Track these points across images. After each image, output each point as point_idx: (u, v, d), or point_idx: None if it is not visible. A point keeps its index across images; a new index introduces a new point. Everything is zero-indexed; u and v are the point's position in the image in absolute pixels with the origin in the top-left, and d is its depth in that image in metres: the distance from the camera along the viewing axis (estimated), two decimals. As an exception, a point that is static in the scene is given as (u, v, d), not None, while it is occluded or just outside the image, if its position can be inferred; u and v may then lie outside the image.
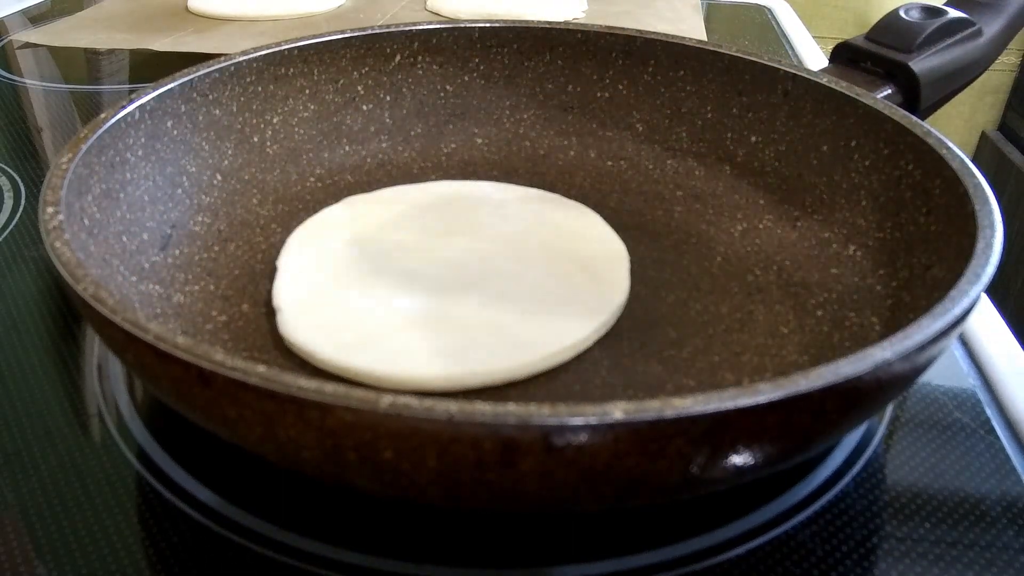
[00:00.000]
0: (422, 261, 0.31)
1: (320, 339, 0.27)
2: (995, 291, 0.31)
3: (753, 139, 0.37)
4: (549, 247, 0.32)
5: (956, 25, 0.39)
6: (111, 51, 0.59)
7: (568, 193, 0.37)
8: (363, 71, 0.39)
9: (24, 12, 0.69)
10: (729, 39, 0.66)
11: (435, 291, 0.29)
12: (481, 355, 0.26)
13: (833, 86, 0.33)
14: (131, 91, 0.43)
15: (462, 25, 0.40)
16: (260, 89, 0.36)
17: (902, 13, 0.40)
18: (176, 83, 0.32)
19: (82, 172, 0.26)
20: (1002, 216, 0.24)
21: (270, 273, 0.31)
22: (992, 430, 0.27)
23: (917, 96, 0.37)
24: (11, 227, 0.37)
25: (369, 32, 0.38)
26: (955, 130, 1.18)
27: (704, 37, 0.60)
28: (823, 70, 0.39)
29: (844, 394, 0.18)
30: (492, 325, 0.28)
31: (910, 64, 0.37)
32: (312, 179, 0.37)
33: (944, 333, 0.20)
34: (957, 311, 0.20)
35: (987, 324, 0.32)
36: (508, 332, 0.27)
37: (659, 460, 0.17)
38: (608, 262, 0.32)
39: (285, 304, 0.28)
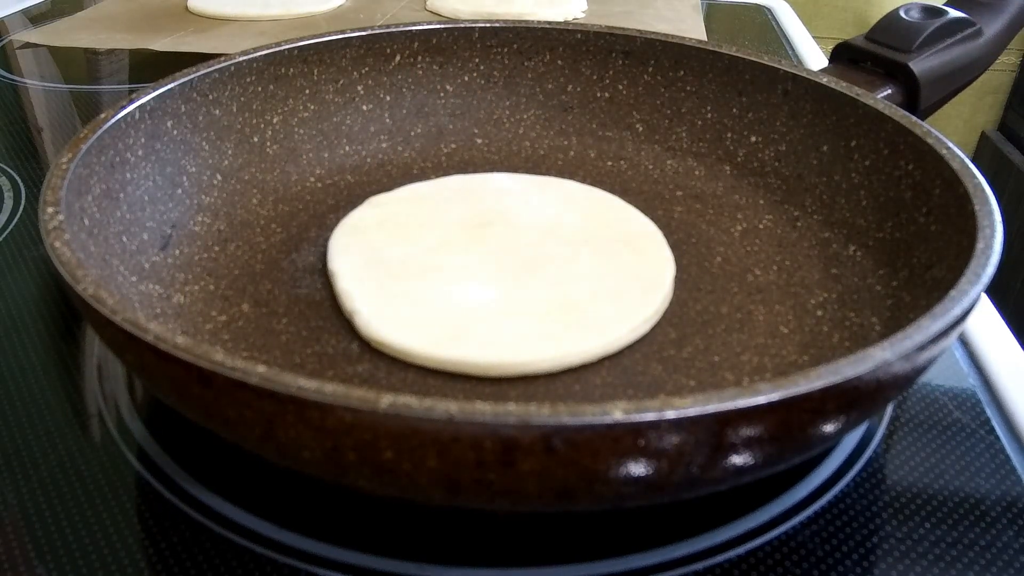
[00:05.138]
0: (472, 253, 0.31)
1: (411, 335, 0.27)
2: (995, 291, 0.31)
3: (753, 139, 0.37)
4: (586, 228, 0.33)
5: (956, 25, 0.39)
6: (111, 51, 0.59)
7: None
8: (363, 71, 0.39)
9: (24, 12, 0.69)
10: (729, 39, 0.66)
11: (498, 280, 0.30)
12: (578, 334, 0.27)
13: (833, 86, 0.33)
14: (131, 91, 0.43)
15: (462, 25, 0.40)
16: (260, 89, 0.36)
17: (902, 13, 0.40)
18: (176, 83, 0.32)
19: (82, 172, 0.26)
20: (1002, 216, 0.24)
21: (270, 273, 0.31)
22: (992, 430, 0.27)
23: (917, 96, 0.37)
24: (11, 227, 0.37)
25: (369, 32, 0.38)
26: (955, 130, 1.18)
27: (704, 37, 0.60)
28: (823, 70, 0.39)
29: (844, 394, 0.18)
30: (571, 306, 0.29)
31: (910, 64, 0.37)
32: (312, 179, 0.37)
33: (944, 333, 0.20)
34: (957, 311, 0.20)
35: (987, 324, 0.32)
36: (589, 311, 0.28)
37: (659, 460, 0.17)
38: (646, 237, 0.33)
39: (361, 306, 0.28)
